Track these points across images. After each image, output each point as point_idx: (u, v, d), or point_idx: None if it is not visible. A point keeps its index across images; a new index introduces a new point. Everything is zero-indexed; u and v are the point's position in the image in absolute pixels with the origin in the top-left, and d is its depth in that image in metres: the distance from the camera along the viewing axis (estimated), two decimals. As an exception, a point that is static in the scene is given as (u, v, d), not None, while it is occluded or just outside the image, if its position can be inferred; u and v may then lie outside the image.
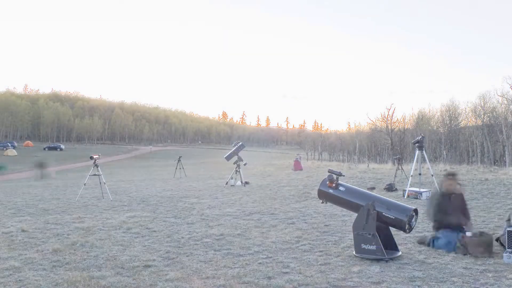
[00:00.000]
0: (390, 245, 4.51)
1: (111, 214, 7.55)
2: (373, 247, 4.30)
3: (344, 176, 4.92)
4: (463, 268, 3.99)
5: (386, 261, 4.21)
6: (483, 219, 6.60)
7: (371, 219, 4.36)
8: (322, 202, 5.01)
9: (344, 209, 6.76)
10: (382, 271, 3.91)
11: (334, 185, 4.73)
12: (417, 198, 8.87)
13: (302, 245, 5.04)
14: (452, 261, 4.24)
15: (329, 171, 4.87)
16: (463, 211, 5.18)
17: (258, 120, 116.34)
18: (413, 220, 4.51)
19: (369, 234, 4.33)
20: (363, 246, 4.37)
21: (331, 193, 4.76)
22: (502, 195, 9.18)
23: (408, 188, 9.32)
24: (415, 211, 4.56)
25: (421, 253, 4.57)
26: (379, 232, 4.45)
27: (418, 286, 3.52)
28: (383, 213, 4.42)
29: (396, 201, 4.78)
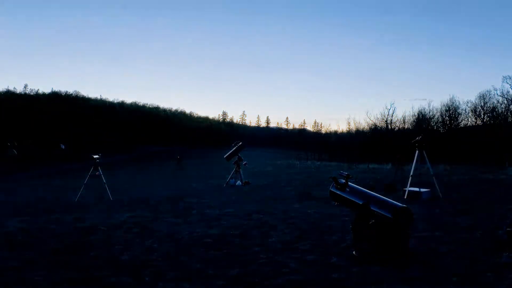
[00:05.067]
0: (391, 246, 4.51)
1: (111, 214, 7.55)
2: (366, 246, 4.34)
3: (351, 177, 4.94)
4: (463, 268, 3.99)
5: (386, 261, 4.21)
6: (483, 219, 6.60)
7: (365, 218, 4.42)
8: (336, 204, 5.15)
9: (344, 209, 6.78)
10: (382, 271, 3.92)
11: (340, 186, 4.77)
12: (417, 198, 8.87)
13: (302, 245, 5.04)
14: (452, 261, 4.24)
15: (339, 174, 4.94)
16: None
17: (258, 120, 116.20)
18: (403, 218, 4.48)
19: (363, 233, 4.38)
20: (360, 245, 4.41)
21: (338, 194, 4.82)
22: (502, 195, 9.19)
23: (408, 188, 9.32)
24: (406, 209, 4.53)
25: (421, 253, 4.57)
26: (381, 231, 4.47)
27: (418, 286, 3.52)
28: (375, 211, 4.45)
29: (386, 198, 4.76)
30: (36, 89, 73.22)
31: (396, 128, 51.26)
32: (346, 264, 4.19)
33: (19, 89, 71.79)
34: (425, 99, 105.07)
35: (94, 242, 5.28)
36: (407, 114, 71.58)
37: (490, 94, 47.32)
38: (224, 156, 13.78)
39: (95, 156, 10.15)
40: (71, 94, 74.72)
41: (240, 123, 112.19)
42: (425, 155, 9.45)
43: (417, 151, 9.51)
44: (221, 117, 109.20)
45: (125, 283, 3.67)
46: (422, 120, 51.61)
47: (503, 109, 45.75)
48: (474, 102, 48.87)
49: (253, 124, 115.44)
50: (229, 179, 13.16)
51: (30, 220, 6.97)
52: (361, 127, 56.93)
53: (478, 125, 47.69)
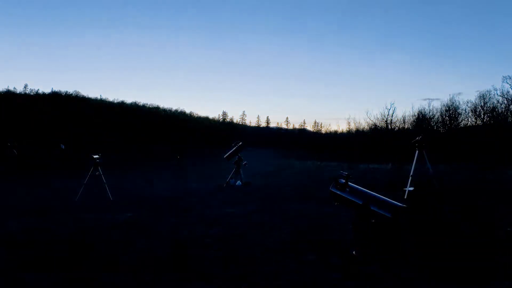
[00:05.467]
0: (391, 246, 4.51)
1: (111, 214, 7.55)
2: (366, 246, 4.35)
3: (351, 177, 4.94)
4: (463, 268, 3.99)
5: (386, 262, 4.21)
6: (483, 218, 6.60)
7: (365, 218, 4.43)
8: (336, 204, 5.14)
9: (344, 209, 6.78)
10: (381, 271, 3.92)
11: (340, 186, 4.77)
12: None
13: (302, 245, 5.04)
14: (451, 260, 4.24)
15: (339, 174, 4.93)
16: None
17: (258, 120, 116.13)
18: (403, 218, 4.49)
19: (363, 233, 4.39)
20: (360, 245, 4.42)
21: (338, 194, 4.81)
22: (502, 195, 9.19)
23: (408, 188, 9.32)
24: (406, 209, 4.53)
25: (421, 253, 4.57)
26: (381, 231, 4.47)
27: (417, 286, 3.52)
28: (375, 211, 4.46)
29: (386, 198, 4.75)
30: (36, 89, 73.11)
31: (396, 128, 51.25)
32: (346, 264, 4.20)
33: (19, 89, 71.75)
34: (438, 99, 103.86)
35: (94, 242, 5.28)
36: (407, 114, 71.53)
37: (490, 94, 47.33)
38: (224, 156, 13.75)
39: (95, 156, 10.14)
40: (71, 94, 74.61)
41: (240, 123, 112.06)
42: (425, 155, 9.45)
43: (417, 151, 9.51)
44: (221, 117, 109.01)
45: (125, 283, 3.68)
46: (422, 120, 51.64)
47: (503, 109, 45.75)
48: (474, 102, 48.87)
49: (253, 124, 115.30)
50: (229, 179, 13.15)
51: (30, 220, 6.97)
52: (361, 127, 56.85)
53: (478, 125, 47.70)
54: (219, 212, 7.70)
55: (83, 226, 6.37)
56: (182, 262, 4.36)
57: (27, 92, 72.18)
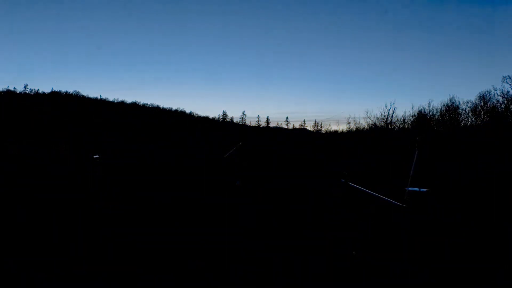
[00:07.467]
0: (390, 245, 4.53)
1: (111, 215, 7.55)
2: (365, 245, 4.37)
3: (349, 178, 4.95)
4: (462, 267, 4.00)
5: (385, 260, 4.22)
6: (482, 218, 6.61)
7: (364, 217, 4.46)
8: (336, 204, 5.15)
9: (345, 209, 6.78)
10: (381, 270, 3.92)
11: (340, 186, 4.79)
12: (417, 198, 8.87)
13: (302, 243, 5.05)
14: (451, 260, 4.24)
15: (340, 173, 4.95)
16: None
17: (258, 120, 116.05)
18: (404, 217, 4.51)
19: (362, 231, 4.42)
20: (359, 244, 4.43)
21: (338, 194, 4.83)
22: (501, 195, 9.19)
23: (408, 188, 9.32)
24: (406, 209, 4.56)
25: (421, 252, 4.57)
26: (380, 230, 4.48)
27: (417, 285, 3.52)
28: (375, 211, 4.48)
29: (386, 198, 4.78)
30: (36, 89, 73.19)
31: (396, 128, 51.27)
32: (346, 263, 4.20)
33: (19, 89, 71.81)
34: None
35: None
36: (407, 114, 71.44)
37: (490, 94, 47.34)
38: (224, 156, 13.75)
39: (95, 157, 10.15)
40: (71, 94, 74.67)
41: (240, 123, 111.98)
42: (425, 155, 9.45)
43: (416, 151, 9.51)
44: (221, 117, 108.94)
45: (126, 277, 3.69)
46: (422, 120, 51.64)
47: (503, 109, 45.74)
48: (474, 102, 48.89)
49: (253, 124, 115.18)
50: (229, 179, 13.15)
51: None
52: (361, 127, 56.81)
53: (478, 125, 47.67)
54: (220, 211, 7.68)
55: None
56: (183, 261, 4.37)
57: (27, 92, 72.17)
